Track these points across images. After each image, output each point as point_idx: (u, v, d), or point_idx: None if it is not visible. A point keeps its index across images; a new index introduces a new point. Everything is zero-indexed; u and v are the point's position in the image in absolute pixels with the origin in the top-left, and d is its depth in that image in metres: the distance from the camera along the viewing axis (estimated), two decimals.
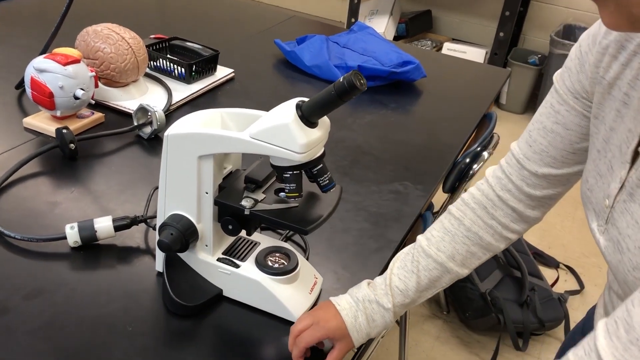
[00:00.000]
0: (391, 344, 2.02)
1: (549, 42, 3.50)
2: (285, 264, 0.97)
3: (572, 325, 2.13)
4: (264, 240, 1.01)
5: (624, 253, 0.70)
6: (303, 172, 0.87)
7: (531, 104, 3.73)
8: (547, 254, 2.52)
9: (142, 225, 1.10)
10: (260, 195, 0.91)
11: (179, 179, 0.91)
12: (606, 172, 0.75)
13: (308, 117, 0.80)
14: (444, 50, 3.73)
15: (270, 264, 0.96)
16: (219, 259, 0.96)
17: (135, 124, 1.40)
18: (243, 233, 0.98)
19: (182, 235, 0.92)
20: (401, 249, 1.17)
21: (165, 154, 0.91)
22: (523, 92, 3.65)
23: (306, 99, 0.83)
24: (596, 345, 0.60)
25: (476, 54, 3.66)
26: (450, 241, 0.94)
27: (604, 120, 0.76)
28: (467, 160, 1.53)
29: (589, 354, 0.61)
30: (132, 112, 1.42)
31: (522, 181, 0.90)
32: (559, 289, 2.33)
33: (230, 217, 0.90)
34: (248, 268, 0.95)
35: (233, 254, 0.98)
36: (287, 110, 0.81)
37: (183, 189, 0.92)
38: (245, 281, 0.95)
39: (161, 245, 0.92)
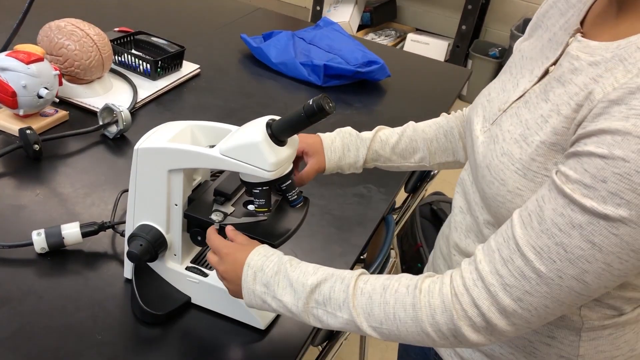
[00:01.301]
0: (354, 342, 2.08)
1: (509, 36, 3.58)
2: None
3: None
4: None
5: (497, 143, 0.80)
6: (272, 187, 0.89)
7: None
8: None
9: (110, 231, 1.11)
10: (229, 208, 0.93)
11: (148, 190, 0.93)
12: (510, 88, 0.86)
13: (277, 136, 0.83)
14: (408, 41, 3.77)
15: None
16: (187, 268, 0.98)
17: (101, 123, 1.39)
18: None
19: (151, 245, 0.93)
20: (364, 252, 1.21)
21: (135, 166, 0.92)
22: (483, 84, 3.71)
23: (276, 117, 0.85)
24: (514, 234, 0.70)
25: (439, 46, 3.71)
26: (435, 129, 1.10)
27: (523, 51, 0.89)
28: None
29: (507, 240, 0.70)
30: (96, 109, 1.41)
31: None
32: None
33: (200, 228, 0.92)
34: (215, 277, 0.97)
35: (201, 263, 1.00)
36: (257, 129, 0.83)
37: (152, 201, 0.93)
38: (213, 290, 0.97)
39: (131, 256, 0.93)
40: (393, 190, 1.39)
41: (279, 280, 0.82)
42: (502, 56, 3.69)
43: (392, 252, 1.21)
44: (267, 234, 0.89)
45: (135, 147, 0.90)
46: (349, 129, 1.09)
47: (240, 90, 1.72)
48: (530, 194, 0.74)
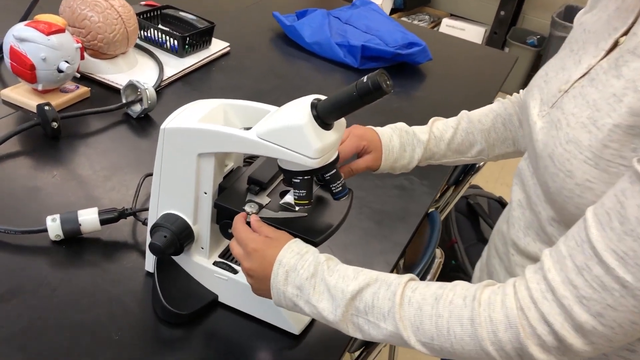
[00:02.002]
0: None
1: (549, 23, 3.42)
2: None
3: None
4: None
5: (560, 129, 0.71)
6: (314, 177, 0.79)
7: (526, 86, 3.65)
8: None
9: (131, 218, 1.01)
10: (264, 199, 0.82)
11: (175, 176, 0.83)
12: (571, 66, 0.77)
13: (324, 118, 0.72)
14: (443, 27, 3.62)
15: None
16: (215, 263, 0.89)
17: (124, 101, 1.30)
18: None
19: (176, 237, 0.84)
20: (406, 250, 1.10)
21: (160, 148, 0.82)
22: (520, 73, 3.57)
23: (322, 97, 0.74)
24: (589, 237, 0.60)
25: (475, 32, 3.56)
26: (492, 118, 1.00)
27: (585, 24, 0.80)
28: None
29: (581, 245, 0.60)
30: (119, 86, 1.32)
31: None
32: None
33: (231, 221, 0.82)
34: None
35: (231, 258, 0.90)
36: (301, 110, 0.72)
37: (179, 188, 0.83)
38: (244, 288, 0.87)
39: (153, 248, 0.83)
40: (437, 183, 1.28)
41: (314, 284, 0.72)
42: (541, 45, 3.53)
43: (437, 252, 1.11)
44: (307, 229, 0.78)
45: (162, 126, 0.80)
46: (403, 125, 1.00)
47: (271, 70, 1.62)
48: (603, 187, 0.65)
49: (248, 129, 0.77)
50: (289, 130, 0.72)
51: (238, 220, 0.78)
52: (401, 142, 0.97)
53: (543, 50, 3.52)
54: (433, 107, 1.57)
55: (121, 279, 0.92)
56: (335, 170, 0.78)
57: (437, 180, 1.29)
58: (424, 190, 1.24)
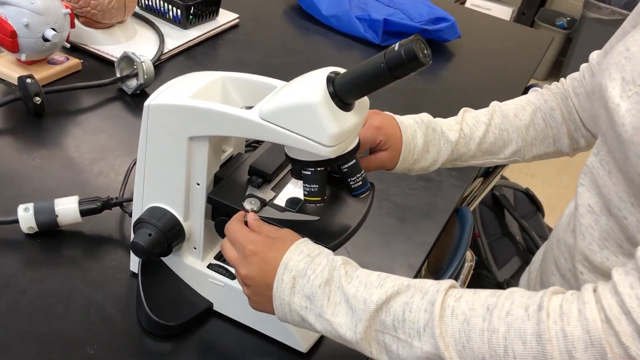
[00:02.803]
0: None
1: (582, 4, 3.22)
2: None
3: None
4: None
5: None
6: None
7: (555, 71, 3.47)
8: None
9: (117, 209, 0.88)
10: (268, 193, 0.69)
11: (162, 163, 0.69)
12: None
13: (342, 96, 0.58)
14: (467, 6, 3.44)
15: None
16: (210, 266, 0.75)
17: (118, 75, 1.16)
18: None
19: (163, 236, 0.70)
20: (432, 250, 0.97)
21: (145, 129, 0.68)
22: (547, 57, 3.38)
23: (340, 70, 0.60)
24: None
25: (502, 12, 3.37)
26: (531, 112, 0.86)
27: None
28: None
29: None
30: (115, 59, 1.18)
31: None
32: None
33: (228, 217, 0.69)
34: None
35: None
36: (314, 85, 0.58)
37: (167, 177, 0.70)
38: (243, 296, 0.74)
39: (136, 248, 0.70)
40: (467, 175, 1.13)
41: (329, 293, 0.58)
42: (571, 27, 3.33)
43: (468, 254, 0.97)
44: (318, 232, 0.65)
45: (146, 103, 0.66)
46: (429, 119, 0.83)
47: (284, 46, 1.47)
48: None
49: (250, 108, 0.63)
50: (299, 111, 0.58)
51: (235, 219, 0.65)
52: (425, 141, 0.81)
53: (573, 33, 3.33)
54: (460, 90, 1.42)
55: (102, 280, 0.80)
56: (354, 160, 0.64)
57: (467, 171, 1.14)
58: (452, 183, 1.10)
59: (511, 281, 1.93)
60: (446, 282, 0.56)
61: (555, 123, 0.86)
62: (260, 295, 0.63)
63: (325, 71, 0.59)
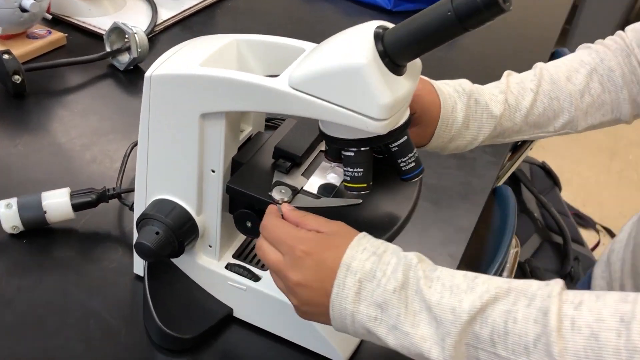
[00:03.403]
0: None
1: None
2: None
3: None
4: None
5: None
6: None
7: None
8: (583, 212, 2.23)
9: (114, 202, 0.76)
10: (299, 180, 0.57)
11: (168, 147, 0.57)
12: None
13: (395, 56, 0.46)
14: None
15: None
16: (228, 266, 0.64)
17: (108, 49, 1.04)
18: None
19: (173, 234, 0.59)
20: (473, 237, 0.86)
21: (146, 106, 0.56)
22: (593, 14, 3.22)
23: (389, 25, 0.48)
24: None
25: None
26: (585, 75, 0.74)
27: None
28: None
29: None
30: (103, 32, 1.06)
31: None
32: (598, 254, 2.05)
33: (250, 211, 0.57)
34: (272, 282, 0.63)
35: (249, 259, 0.66)
36: (359, 44, 0.46)
37: (175, 164, 0.58)
38: (269, 302, 0.63)
39: (142, 250, 0.59)
40: (502, 150, 1.02)
41: (406, 300, 0.47)
42: None
43: (512, 241, 0.86)
44: (364, 222, 0.53)
45: (147, 73, 0.54)
46: (471, 87, 0.71)
47: (287, 14, 1.34)
48: None
49: (273, 77, 0.51)
50: (341, 76, 0.46)
51: (271, 213, 0.53)
52: (466, 114, 0.69)
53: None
54: (482, 58, 1.30)
55: (102, 286, 0.68)
56: (406, 137, 0.53)
57: (502, 146, 1.03)
58: (487, 159, 0.99)
59: (532, 261, 1.83)
60: (556, 284, 0.45)
61: (615, 87, 0.74)
62: (314, 305, 0.51)
63: (371, 26, 0.48)
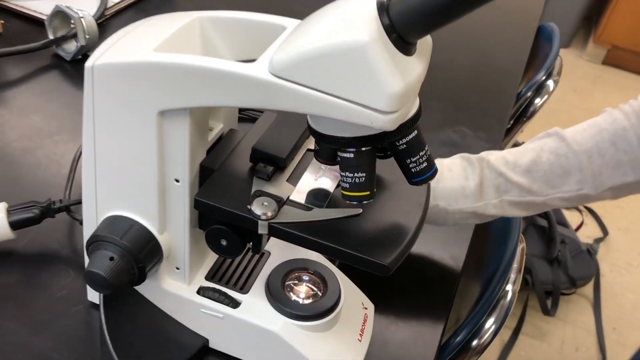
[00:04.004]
0: None
1: None
2: (319, 294, 0.55)
3: (602, 282, 1.84)
4: (275, 247, 0.58)
5: None
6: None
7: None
8: None
9: (62, 216, 0.65)
10: (284, 188, 0.47)
11: (120, 153, 0.46)
12: None
13: (405, 31, 0.36)
14: None
15: (293, 297, 0.54)
16: (201, 290, 0.54)
17: (51, 37, 0.91)
18: None
19: (131, 259, 0.48)
20: (472, 236, 0.78)
21: (89, 103, 0.45)
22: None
23: None
24: None
25: None
26: (594, 135, 0.64)
27: None
28: (529, 93, 1.12)
29: None
30: (45, 18, 0.93)
31: None
32: (581, 235, 2.01)
33: (224, 227, 0.47)
34: (254, 307, 0.53)
35: (225, 279, 0.55)
36: (359, 16, 0.36)
37: (130, 173, 0.47)
38: (251, 331, 0.53)
39: (93, 280, 0.48)
40: (497, 134, 0.94)
41: None
42: None
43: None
44: (367, 239, 0.44)
45: (88, 63, 0.43)
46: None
47: None
48: None
49: (248, 62, 0.40)
50: (338, 58, 0.36)
51: None
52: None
53: None
54: (474, 35, 1.21)
55: (49, 319, 0.57)
56: (416, 132, 0.43)
57: (496, 129, 0.94)
58: (481, 146, 0.90)
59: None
60: None
61: (630, 146, 0.64)
62: None
63: None
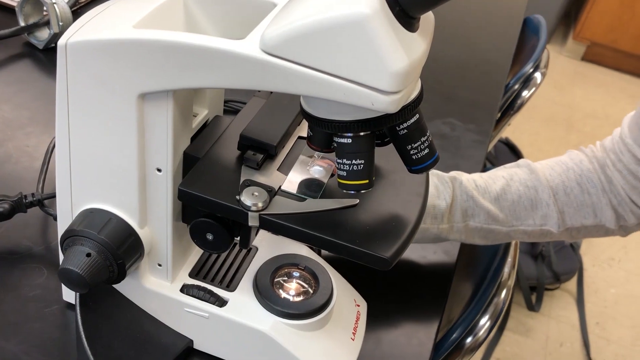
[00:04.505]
0: None
1: None
2: (310, 291, 0.52)
3: (586, 277, 1.84)
4: (264, 242, 0.55)
5: None
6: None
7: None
8: None
9: (35, 210, 0.61)
10: (275, 177, 0.44)
11: (97, 140, 0.43)
12: None
13: (409, 5, 0.33)
14: None
15: (283, 294, 0.51)
16: (185, 288, 0.50)
17: (22, 24, 0.87)
18: None
19: (110, 255, 0.45)
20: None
21: (63, 86, 0.41)
22: None
23: None
24: None
25: None
26: (561, 173, 0.64)
27: None
28: (517, 85, 1.10)
29: None
30: (16, 5, 0.88)
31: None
32: None
33: (210, 219, 0.43)
34: (242, 306, 0.50)
35: (210, 276, 0.52)
36: None
37: (108, 163, 0.44)
38: (239, 330, 0.50)
39: (68, 278, 0.44)
40: (486, 125, 0.92)
41: None
42: None
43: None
44: (366, 232, 0.41)
45: (60, 41, 0.39)
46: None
47: None
48: None
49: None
50: (337, 33, 0.33)
51: None
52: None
53: None
54: (463, 27, 1.19)
55: (21, 321, 0.53)
56: (417, 115, 0.40)
57: (485, 121, 0.92)
58: (472, 138, 0.88)
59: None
60: None
61: (594, 190, 0.63)
62: None
63: None
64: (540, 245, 1.71)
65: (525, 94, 1.11)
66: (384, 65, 0.33)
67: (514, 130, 2.58)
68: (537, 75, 1.12)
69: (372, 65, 0.33)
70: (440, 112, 0.92)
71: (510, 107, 1.13)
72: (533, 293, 1.73)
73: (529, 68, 1.10)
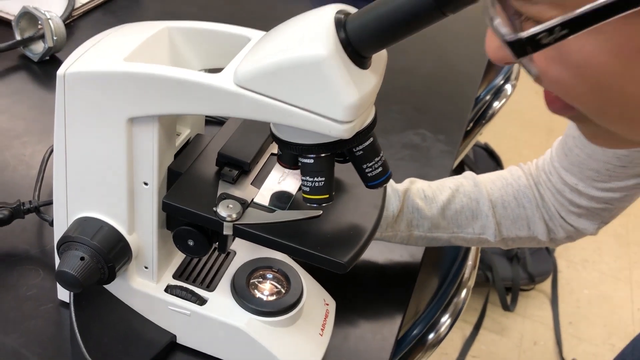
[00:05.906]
0: None
1: None
2: (282, 291, 0.57)
3: (560, 278, 1.91)
4: (242, 247, 0.61)
5: None
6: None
7: None
8: None
9: (32, 217, 0.66)
10: (248, 191, 0.49)
11: (91, 157, 0.48)
12: None
13: (360, 46, 0.39)
14: None
15: (258, 294, 0.56)
16: (168, 289, 0.56)
17: (18, 38, 0.91)
18: None
19: (102, 259, 0.50)
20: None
21: (61, 109, 0.47)
22: None
23: (351, 9, 0.41)
24: None
25: None
26: (501, 187, 0.70)
27: None
28: (488, 97, 1.16)
29: None
30: (13, 18, 0.93)
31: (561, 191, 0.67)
32: None
33: (191, 228, 0.49)
34: (220, 304, 0.55)
35: (192, 278, 0.57)
36: (318, 31, 0.39)
37: (100, 177, 0.49)
38: (217, 327, 0.55)
39: (64, 280, 0.50)
40: (456, 136, 0.97)
41: None
42: None
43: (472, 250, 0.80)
44: (326, 239, 0.47)
45: (60, 71, 0.45)
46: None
47: None
48: None
49: (214, 71, 0.43)
50: (298, 71, 0.39)
51: None
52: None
53: None
54: (434, 39, 1.25)
55: (18, 318, 0.58)
56: (372, 139, 0.46)
57: (455, 131, 0.98)
58: (441, 149, 0.94)
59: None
60: None
61: (529, 205, 0.69)
62: None
63: (330, 10, 0.40)
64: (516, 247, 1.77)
65: (496, 104, 1.17)
66: (338, 99, 0.39)
67: (493, 135, 2.65)
68: (508, 86, 1.18)
69: (328, 99, 0.39)
70: (412, 122, 0.98)
71: (481, 117, 1.20)
72: (508, 293, 1.79)
73: (499, 80, 1.16)
